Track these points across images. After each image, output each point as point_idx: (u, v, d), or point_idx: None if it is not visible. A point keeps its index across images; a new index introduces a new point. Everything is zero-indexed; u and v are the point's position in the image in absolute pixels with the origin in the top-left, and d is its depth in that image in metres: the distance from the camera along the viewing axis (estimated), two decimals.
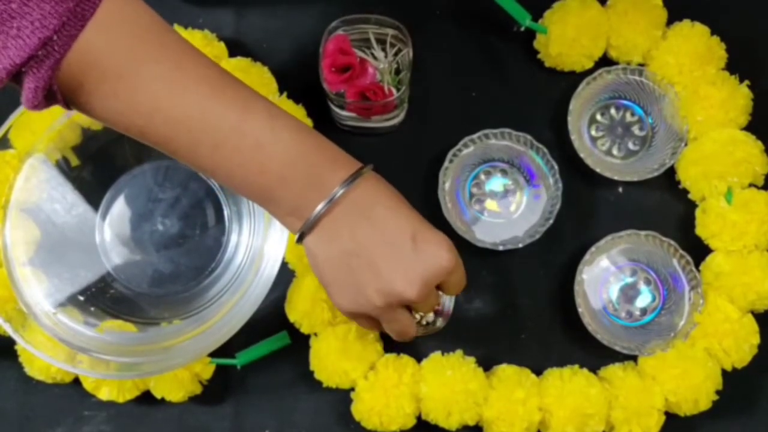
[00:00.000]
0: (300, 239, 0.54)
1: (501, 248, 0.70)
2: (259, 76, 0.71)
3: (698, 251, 0.71)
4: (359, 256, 0.52)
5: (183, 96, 0.49)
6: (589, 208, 0.73)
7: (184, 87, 0.49)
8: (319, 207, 0.51)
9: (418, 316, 0.64)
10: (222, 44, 0.73)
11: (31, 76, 0.45)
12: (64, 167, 0.70)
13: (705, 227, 0.70)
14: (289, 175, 0.51)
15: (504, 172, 0.73)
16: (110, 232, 0.71)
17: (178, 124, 0.49)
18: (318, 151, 0.53)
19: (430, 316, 0.70)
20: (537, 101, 0.74)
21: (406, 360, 0.69)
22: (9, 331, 0.65)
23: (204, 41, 0.71)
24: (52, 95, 0.47)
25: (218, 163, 0.51)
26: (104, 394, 0.69)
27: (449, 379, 0.68)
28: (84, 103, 0.49)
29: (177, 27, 0.73)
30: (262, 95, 0.52)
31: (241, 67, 0.70)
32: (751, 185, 0.70)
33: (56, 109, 0.67)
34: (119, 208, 0.71)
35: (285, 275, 0.70)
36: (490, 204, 0.73)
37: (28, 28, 0.44)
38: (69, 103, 0.49)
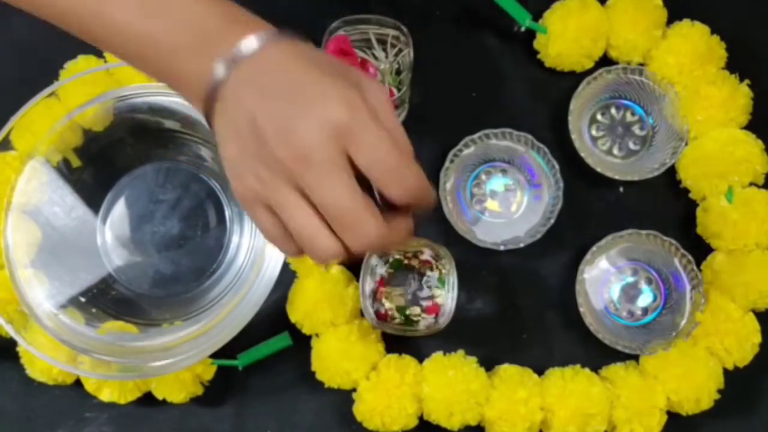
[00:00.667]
0: (206, 118, 0.46)
1: (502, 248, 0.70)
2: None
3: (699, 250, 0.71)
4: (246, 121, 0.42)
5: None
6: (590, 208, 0.73)
7: None
8: (219, 72, 0.43)
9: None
10: None
11: None
12: (64, 169, 0.70)
13: (706, 226, 0.71)
14: (186, 41, 0.44)
15: (505, 172, 0.73)
16: (111, 234, 0.71)
17: (69, 4, 0.45)
18: (220, 12, 0.45)
19: (431, 318, 0.70)
20: (537, 101, 0.74)
21: (408, 360, 0.69)
22: (11, 332, 0.65)
23: None
24: None
25: (114, 39, 0.46)
26: (106, 395, 0.69)
27: (451, 380, 0.67)
28: None
29: None
30: None
31: None
32: (751, 184, 0.71)
33: (58, 111, 0.68)
34: (120, 210, 0.71)
35: (286, 276, 0.70)
36: (491, 204, 0.73)
37: None
38: None
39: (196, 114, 0.69)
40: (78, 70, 0.72)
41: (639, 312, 0.72)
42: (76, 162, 0.70)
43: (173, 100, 0.69)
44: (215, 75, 0.43)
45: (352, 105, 0.41)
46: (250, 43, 0.43)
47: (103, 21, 0.45)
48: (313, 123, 0.41)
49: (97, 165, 0.70)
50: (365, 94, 0.42)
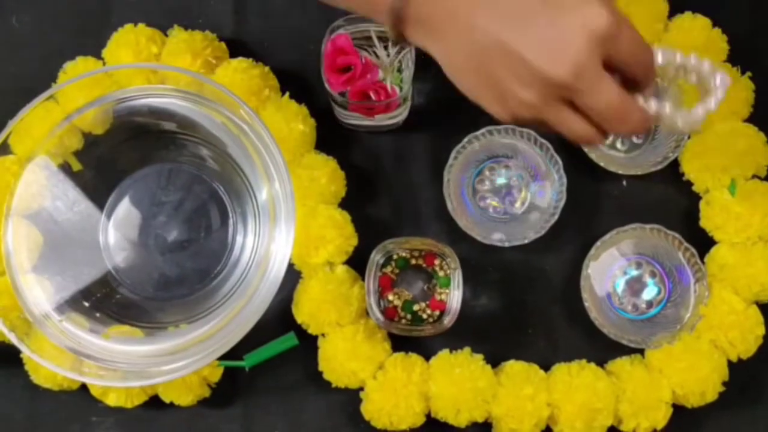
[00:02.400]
0: (397, 36, 0.44)
1: (506, 244, 0.70)
2: (260, 77, 0.70)
3: (703, 243, 0.71)
4: (487, 48, 0.41)
5: None
6: (594, 203, 0.73)
7: None
8: None
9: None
10: (223, 44, 0.72)
11: None
12: (65, 171, 0.69)
13: (709, 219, 0.71)
14: None
15: (508, 169, 0.73)
16: (114, 236, 0.70)
17: None
18: None
19: (437, 314, 0.70)
20: None
21: (415, 359, 0.70)
22: (13, 340, 0.64)
23: (204, 42, 0.71)
24: None
25: None
26: (112, 400, 0.69)
27: (458, 377, 0.68)
28: None
29: (177, 28, 0.72)
30: None
31: (242, 67, 0.70)
32: (754, 177, 0.71)
33: (57, 114, 0.67)
34: (123, 212, 0.71)
35: (291, 276, 0.70)
36: (495, 200, 0.73)
37: None
38: None
39: (195, 115, 0.69)
40: (77, 71, 0.71)
41: (644, 305, 0.72)
42: (76, 166, 0.69)
43: (172, 102, 0.69)
44: None
45: (609, 8, 0.41)
46: None
47: None
48: (581, 38, 0.40)
49: (98, 168, 0.70)
50: None
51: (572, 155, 0.72)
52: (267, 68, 0.71)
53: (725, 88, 0.49)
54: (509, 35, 0.40)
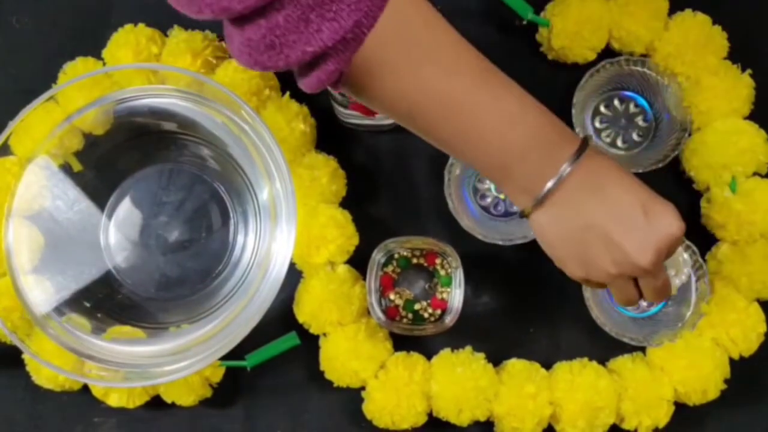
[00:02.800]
0: (525, 213, 0.55)
1: (508, 243, 0.70)
2: (261, 77, 0.70)
3: (704, 241, 0.71)
4: (592, 230, 0.53)
5: (451, 78, 0.50)
6: None
7: (453, 70, 0.50)
8: (550, 184, 0.53)
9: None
10: (223, 44, 0.72)
11: (334, 58, 0.46)
12: (66, 171, 0.69)
13: (710, 217, 0.71)
14: (529, 152, 0.52)
15: None
16: (115, 237, 0.70)
17: (442, 104, 0.51)
18: (552, 128, 0.53)
19: (438, 313, 0.70)
20: (540, 94, 0.72)
21: (416, 358, 0.70)
22: (15, 341, 0.64)
23: (205, 42, 0.71)
24: (339, 78, 0.48)
25: (468, 139, 0.53)
26: (114, 400, 0.69)
27: (459, 376, 0.68)
28: (362, 84, 0.49)
29: (177, 28, 0.72)
30: (504, 73, 0.54)
31: (242, 68, 0.69)
32: (755, 174, 0.71)
33: (57, 115, 0.67)
34: (123, 213, 0.71)
35: (293, 276, 0.70)
36: (496, 199, 0.73)
37: (344, 11, 0.44)
38: (344, 85, 0.50)
39: (196, 115, 0.69)
40: (77, 72, 0.71)
41: (645, 304, 0.72)
42: (77, 166, 0.69)
43: (173, 102, 0.69)
44: (549, 184, 0.53)
45: (680, 217, 0.55)
46: (578, 152, 0.53)
47: (470, 125, 0.52)
48: (665, 241, 0.53)
49: (99, 169, 0.70)
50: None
51: None
52: None
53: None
54: (615, 230, 0.53)
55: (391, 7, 0.46)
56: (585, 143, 0.53)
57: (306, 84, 0.49)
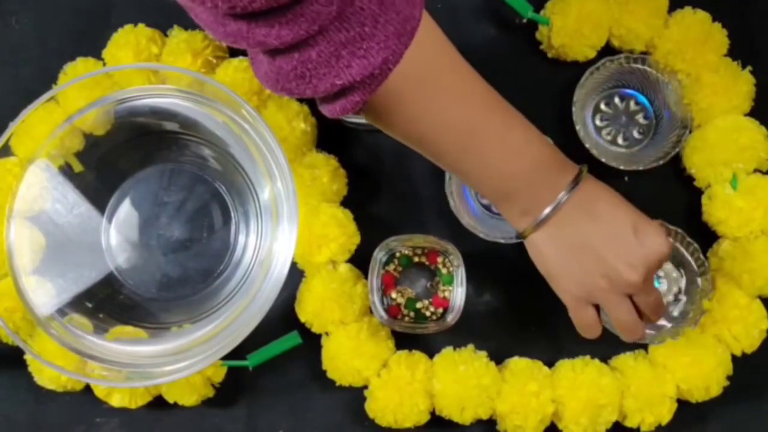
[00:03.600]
0: (524, 235, 0.59)
1: (509, 241, 0.70)
2: None
3: (705, 238, 0.71)
4: (587, 249, 0.57)
5: (463, 107, 0.54)
6: None
7: (467, 99, 0.54)
8: (548, 209, 0.57)
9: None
10: (223, 44, 0.72)
11: (361, 91, 0.48)
12: (66, 172, 0.69)
13: (711, 214, 0.71)
14: (533, 179, 0.56)
15: None
16: (116, 237, 0.70)
17: (454, 131, 0.54)
18: (553, 157, 0.58)
19: (440, 311, 0.70)
20: (540, 92, 0.74)
21: (419, 356, 0.70)
22: (17, 342, 0.64)
23: (205, 41, 0.71)
24: (362, 107, 0.50)
25: (477, 166, 0.56)
26: (116, 400, 0.69)
27: (462, 375, 0.68)
28: (381, 112, 0.52)
29: (177, 28, 0.72)
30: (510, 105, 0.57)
31: (243, 67, 0.70)
32: (756, 171, 0.71)
33: (58, 115, 0.67)
34: (124, 213, 0.70)
35: (294, 275, 0.70)
36: None
37: (374, 49, 0.46)
38: (364, 112, 0.52)
39: (197, 115, 0.69)
40: (77, 72, 0.71)
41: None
42: (78, 167, 0.69)
43: (173, 102, 0.69)
44: (547, 209, 0.57)
45: (668, 239, 0.60)
46: (575, 180, 0.57)
47: (479, 151, 0.55)
48: (653, 258, 0.57)
49: (100, 169, 0.70)
50: None
51: (574, 151, 0.71)
52: None
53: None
54: (608, 249, 0.57)
55: (413, 41, 0.48)
56: (581, 171, 0.58)
57: (328, 110, 0.51)
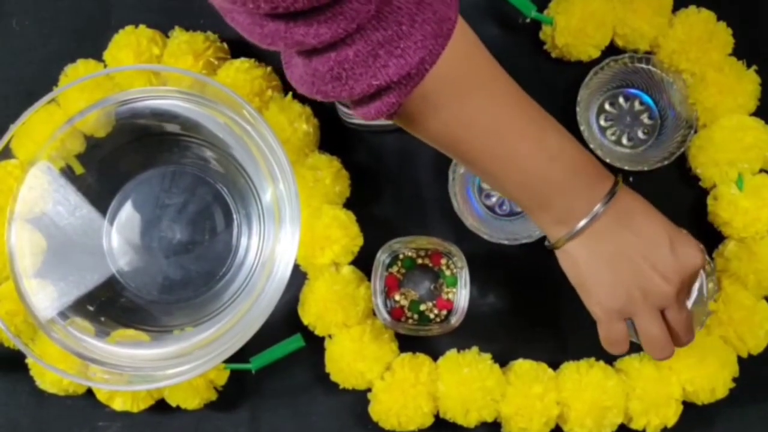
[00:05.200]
0: (557, 245, 0.58)
1: (513, 243, 0.70)
2: (263, 77, 0.70)
3: (711, 239, 0.71)
4: (621, 260, 0.56)
5: (497, 110, 0.53)
6: None
7: (501, 102, 0.53)
8: (585, 221, 0.56)
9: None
10: (224, 45, 0.72)
11: (397, 92, 0.48)
12: (68, 175, 0.69)
13: (717, 214, 0.70)
14: (568, 187, 0.56)
15: None
16: (118, 240, 0.70)
17: (489, 135, 0.53)
18: (590, 164, 0.57)
19: (444, 314, 0.70)
20: (544, 92, 0.72)
21: (422, 359, 0.69)
22: (19, 345, 0.64)
23: (206, 43, 0.70)
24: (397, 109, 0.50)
25: (510, 171, 0.55)
26: (118, 404, 0.69)
27: (466, 377, 0.67)
28: (415, 115, 0.51)
29: (178, 29, 0.72)
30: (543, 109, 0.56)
31: (244, 68, 0.69)
32: (761, 171, 0.70)
33: (58, 117, 0.67)
34: (126, 215, 0.70)
35: (297, 278, 0.69)
36: (501, 198, 0.72)
37: (411, 48, 0.46)
38: (399, 116, 0.52)
39: (198, 116, 0.69)
40: (78, 74, 0.71)
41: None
42: (79, 169, 0.68)
43: (175, 103, 0.68)
44: (592, 213, 0.56)
45: (703, 250, 0.59)
46: (611, 191, 0.56)
47: (514, 155, 0.54)
48: (688, 269, 0.57)
49: (101, 171, 0.69)
50: None
51: None
52: (269, 68, 0.71)
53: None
54: (644, 260, 0.56)
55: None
56: (617, 182, 0.57)
57: (363, 113, 0.50)
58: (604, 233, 0.56)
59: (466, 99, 0.51)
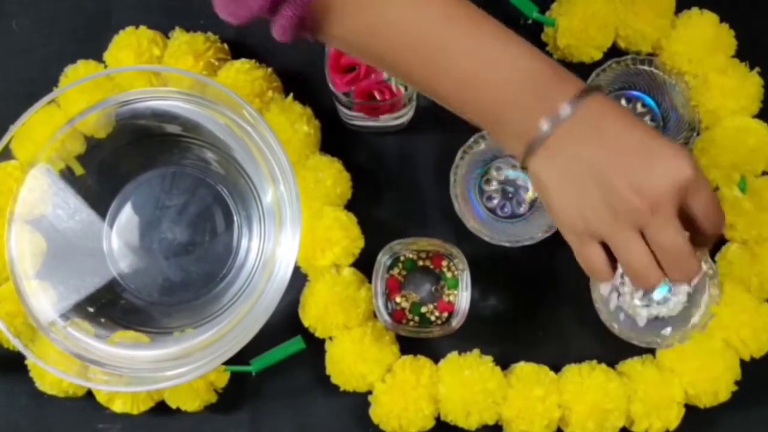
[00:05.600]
0: (523, 164, 0.52)
1: (515, 245, 0.69)
2: (264, 78, 0.69)
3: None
4: (588, 173, 0.49)
5: (417, 14, 0.49)
6: None
7: (419, 5, 0.49)
8: (545, 126, 0.49)
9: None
10: (225, 46, 0.72)
11: (291, 4, 0.48)
12: (68, 176, 0.68)
13: None
14: (523, 95, 0.49)
15: (516, 167, 0.72)
16: (118, 241, 0.70)
17: (413, 45, 0.50)
18: (548, 71, 0.50)
19: (445, 316, 0.70)
20: None
21: (423, 361, 0.69)
22: (19, 346, 0.64)
23: (206, 43, 0.70)
24: (301, 24, 0.49)
25: (448, 85, 0.51)
26: (118, 406, 0.68)
27: (467, 379, 0.67)
28: (330, 28, 0.50)
29: (179, 29, 0.71)
30: (490, 16, 0.52)
31: (245, 69, 0.69)
32: (764, 173, 0.70)
33: (59, 118, 0.67)
34: (126, 217, 0.70)
35: (297, 279, 0.69)
36: (503, 200, 0.72)
37: None
38: (314, 32, 0.50)
39: (199, 117, 0.68)
40: (78, 75, 0.71)
41: (654, 305, 0.71)
42: (78, 170, 0.68)
43: (175, 104, 0.68)
44: (544, 127, 0.49)
45: (695, 165, 0.49)
46: (579, 95, 0.49)
47: (447, 64, 0.50)
48: (667, 180, 0.48)
49: (101, 172, 0.69)
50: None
51: None
52: (270, 69, 0.71)
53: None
54: (612, 171, 0.49)
55: None
56: (586, 88, 0.50)
57: (275, 33, 0.50)
58: (567, 144, 0.49)
59: (378, 4, 0.49)
